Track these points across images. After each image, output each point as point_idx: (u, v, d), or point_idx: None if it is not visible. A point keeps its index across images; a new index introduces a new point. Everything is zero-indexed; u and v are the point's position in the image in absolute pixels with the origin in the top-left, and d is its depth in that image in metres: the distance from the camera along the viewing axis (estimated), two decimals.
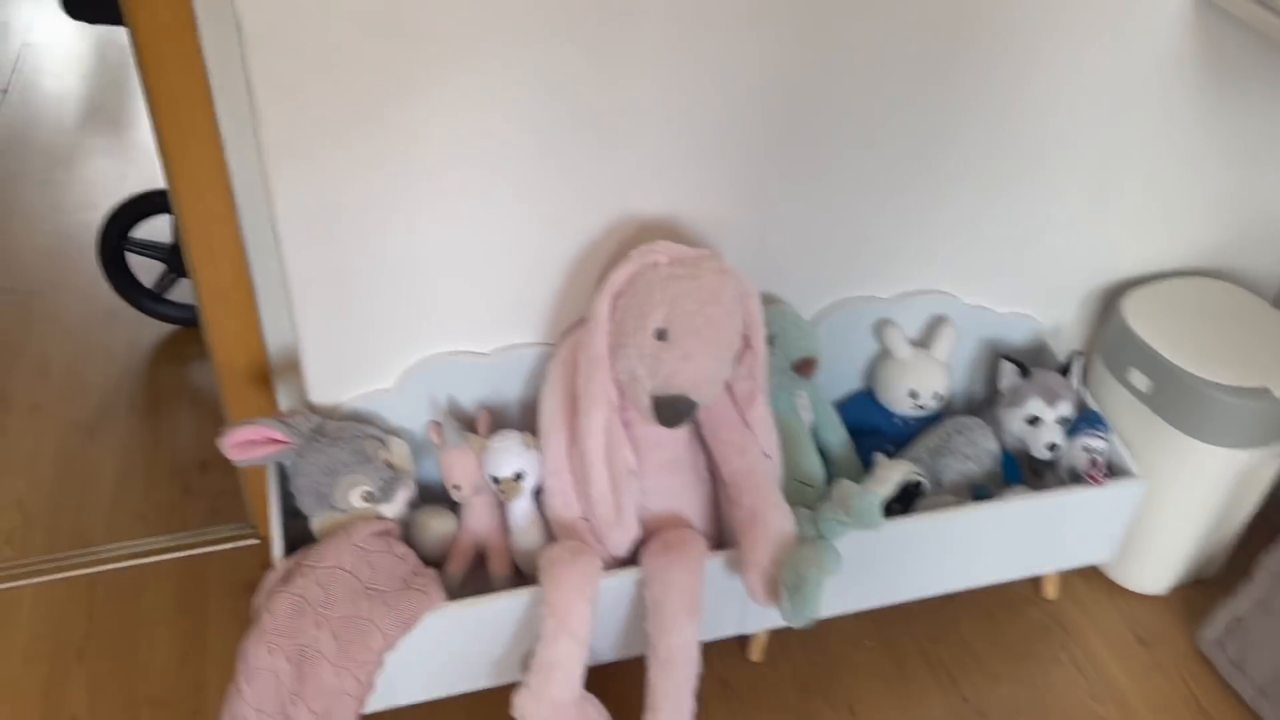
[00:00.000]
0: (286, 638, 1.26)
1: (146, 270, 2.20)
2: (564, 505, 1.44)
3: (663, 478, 1.43)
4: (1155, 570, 1.72)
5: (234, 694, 1.28)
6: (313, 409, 1.45)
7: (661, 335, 1.29)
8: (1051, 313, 1.73)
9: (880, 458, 1.56)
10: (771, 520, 1.37)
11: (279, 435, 1.36)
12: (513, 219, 1.36)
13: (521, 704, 1.33)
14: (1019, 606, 1.73)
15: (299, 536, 1.39)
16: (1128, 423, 1.62)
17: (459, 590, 1.49)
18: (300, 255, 1.30)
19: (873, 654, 1.66)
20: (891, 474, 1.50)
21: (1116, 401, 1.63)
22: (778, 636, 1.65)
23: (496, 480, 1.41)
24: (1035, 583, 1.75)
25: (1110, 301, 1.74)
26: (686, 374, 1.29)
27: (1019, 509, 1.50)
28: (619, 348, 1.32)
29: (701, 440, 1.47)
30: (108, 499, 1.84)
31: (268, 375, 1.57)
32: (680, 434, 1.43)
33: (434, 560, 1.50)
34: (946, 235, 1.58)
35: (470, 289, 1.41)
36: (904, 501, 1.52)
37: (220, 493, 1.85)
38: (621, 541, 1.39)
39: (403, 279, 1.37)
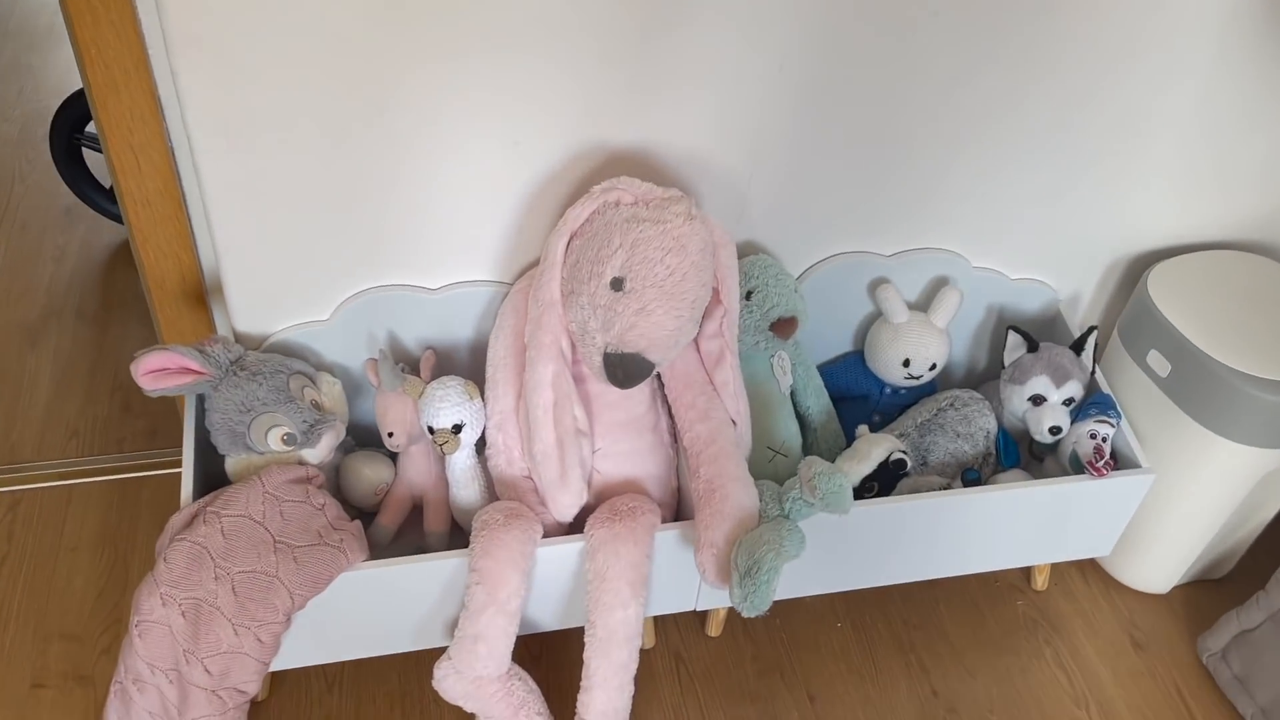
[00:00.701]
0: (182, 589, 1.14)
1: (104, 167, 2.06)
2: (507, 462, 1.30)
3: (618, 439, 1.30)
4: (1158, 568, 1.58)
5: (127, 645, 1.17)
6: (239, 338, 1.32)
7: (618, 285, 1.14)
8: (1069, 282, 1.56)
9: (862, 430, 1.41)
10: (731, 494, 1.24)
11: (194, 365, 1.23)
12: (463, 141, 1.20)
13: (442, 676, 1.21)
14: (1004, 596, 1.60)
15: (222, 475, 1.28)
16: (1142, 409, 1.47)
17: (390, 544, 1.38)
18: (218, 164, 1.16)
19: (841, 636, 1.54)
20: (872, 450, 1.36)
21: (1132, 385, 1.48)
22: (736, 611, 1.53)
23: (432, 431, 1.27)
24: (1025, 570, 1.62)
25: (1136, 274, 1.57)
26: (643, 330, 1.15)
27: (1010, 498, 1.36)
28: (571, 295, 1.18)
29: (665, 401, 1.33)
30: (41, 411, 1.73)
31: (202, 295, 1.43)
32: (639, 393, 1.29)
33: (368, 510, 1.38)
34: (957, 189, 1.41)
35: (415, 218, 1.26)
36: (884, 480, 1.38)
37: (162, 413, 1.73)
38: (567, 506, 1.25)
39: (338, 202, 1.22)
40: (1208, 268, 1.49)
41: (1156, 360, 1.43)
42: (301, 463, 1.26)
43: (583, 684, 1.26)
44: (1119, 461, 1.44)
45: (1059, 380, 1.44)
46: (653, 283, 1.13)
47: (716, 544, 1.22)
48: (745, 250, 1.39)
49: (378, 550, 1.34)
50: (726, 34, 1.18)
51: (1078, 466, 1.42)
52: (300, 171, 1.18)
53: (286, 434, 1.24)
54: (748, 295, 1.34)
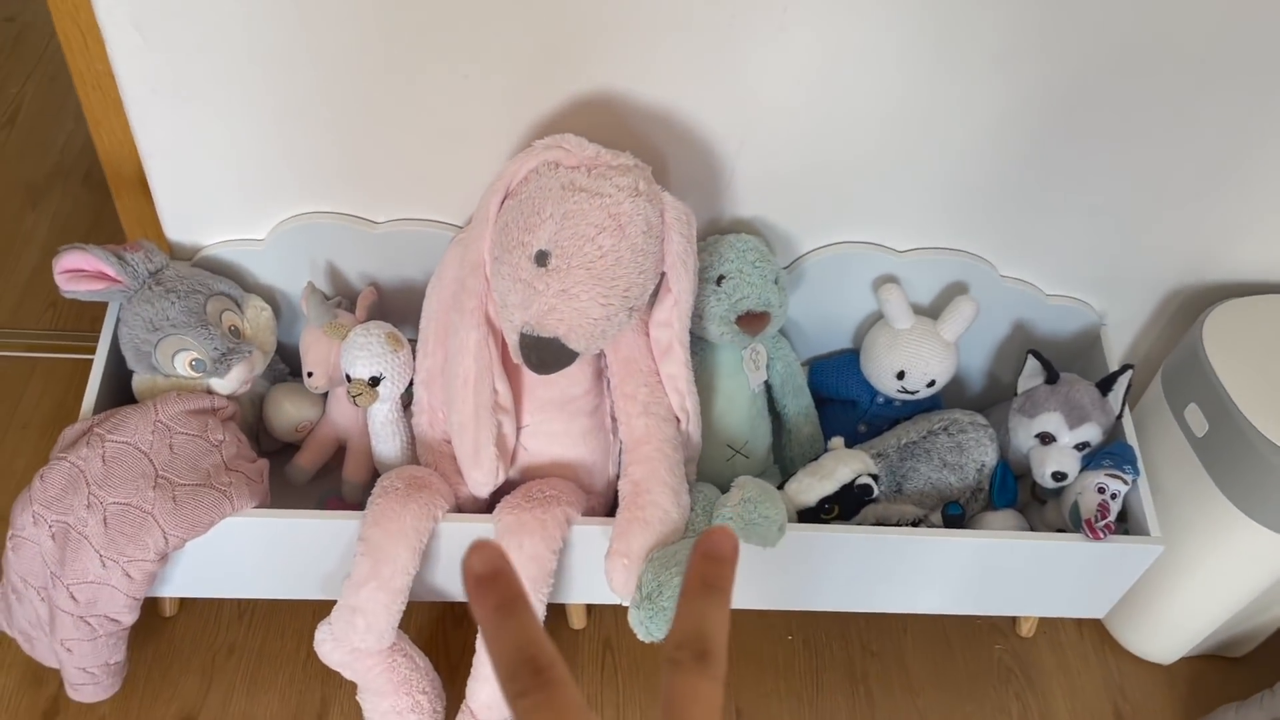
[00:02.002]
0: (53, 511, 1.08)
1: None
2: (430, 424, 1.20)
3: (548, 418, 1.17)
4: (1164, 639, 1.40)
5: (5, 557, 1.12)
6: (171, 248, 1.23)
7: (542, 260, 1.00)
8: (1118, 307, 1.36)
9: (835, 443, 1.26)
10: (657, 501, 1.11)
11: (110, 271, 1.15)
12: (408, 63, 1.06)
13: (320, 641, 1.14)
14: (981, 635, 1.45)
15: None
16: (1170, 470, 1.27)
17: (310, 484, 1.30)
18: (133, 61, 1.06)
19: (789, 650, 1.41)
20: (837, 468, 1.21)
21: (1165, 440, 1.28)
22: None
23: (349, 379, 1.17)
24: None
25: (1201, 309, 1.35)
26: (564, 315, 1.01)
27: (980, 548, 1.20)
28: (496, 262, 1.05)
29: (610, 387, 1.20)
30: (25, 276, 1.69)
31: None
32: (577, 372, 1.16)
33: (292, 446, 1.30)
34: (990, 184, 1.21)
35: (356, 140, 1.14)
36: (847, 504, 1.23)
37: None
38: (479, 483, 1.15)
39: (270, 113, 1.11)
40: None
41: (1194, 416, 1.23)
42: (209, 392, 1.18)
43: (472, 671, 1.17)
44: (1129, 524, 1.26)
45: (1074, 421, 1.25)
46: (581, 263, 0.99)
47: (628, 554, 1.10)
48: (728, 228, 1.23)
49: (290, 489, 1.27)
50: None
51: (1077, 521, 1.24)
52: (226, 76, 1.07)
53: (195, 359, 1.15)
54: (718, 280, 1.18)
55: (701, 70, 1.08)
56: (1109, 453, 1.26)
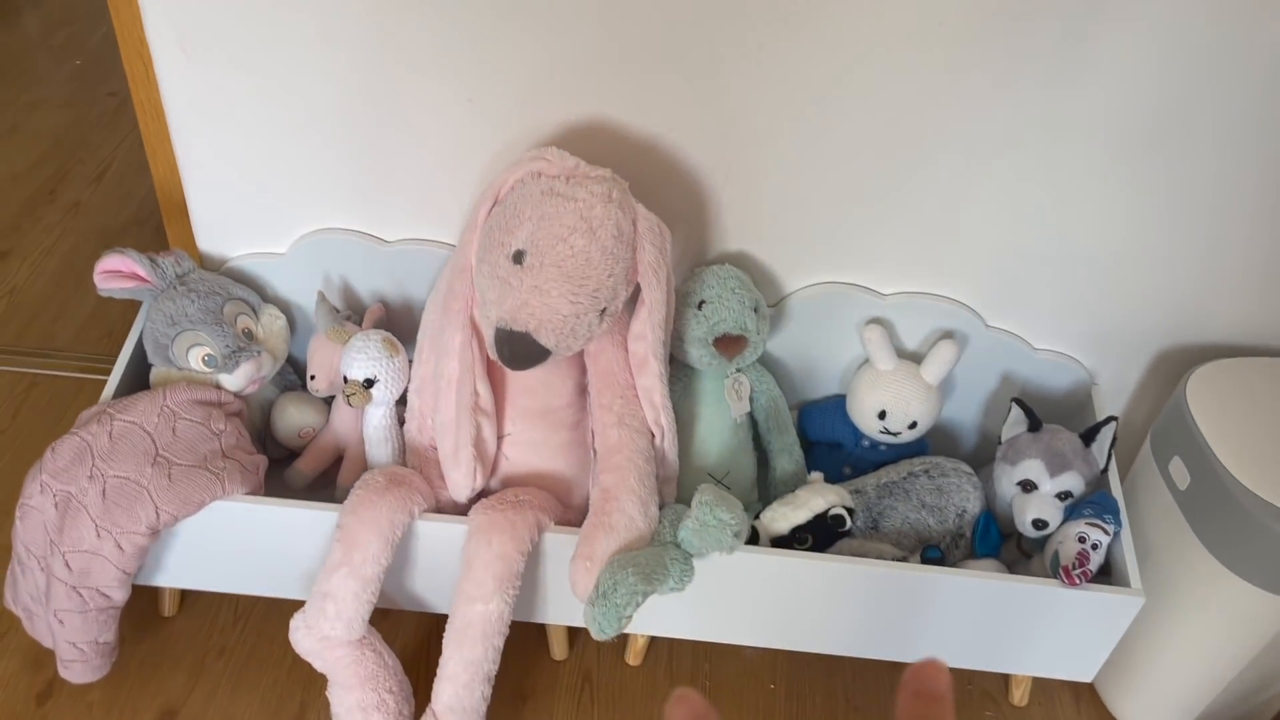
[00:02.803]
0: (59, 481, 1.16)
1: None
2: (419, 429, 1.26)
3: (529, 428, 1.22)
4: (1159, 712, 1.35)
5: (14, 528, 1.20)
6: (202, 260, 1.34)
7: (519, 258, 1.08)
8: (1110, 368, 1.36)
9: (814, 477, 1.28)
10: (624, 508, 1.15)
11: (141, 271, 1.25)
12: (415, 89, 1.17)
13: (294, 628, 1.18)
14: (972, 700, 1.41)
15: None
16: (1156, 525, 1.26)
17: (306, 491, 1.36)
18: (176, 76, 1.18)
19: (770, 698, 1.40)
20: (811, 499, 1.23)
21: (1152, 496, 1.27)
22: (667, 646, 1.42)
23: (346, 380, 1.25)
24: (1004, 679, 1.42)
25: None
26: (534, 310, 1.07)
27: (954, 586, 1.19)
28: (480, 263, 1.12)
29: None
30: (89, 308, 1.82)
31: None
32: (559, 384, 1.22)
33: (296, 453, 1.37)
34: (975, 231, 1.25)
35: (369, 162, 1.24)
36: (822, 535, 1.24)
37: None
38: (458, 484, 1.20)
39: (294, 132, 1.22)
40: (1277, 377, 1.26)
41: (1178, 470, 1.22)
42: (218, 387, 1.26)
43: (438, 671, 1.19)
44: (1113, 578, 1.24)
45: (1055, 469, 1.25)
46: (553, 261, 1.06)
47: (591, 557, 1.13)
48: (714, 261, 1.29)
49: (290, 494, 1.33)
50: (699, 6, 1.09)
51: (1056, 570, 1.23)
52: (256, 94, 1.18)
53: (207, 355, 1.24)
54: (699, 305, 1.24)
55: (687, 102, 1.16)
56: (1090, 502, 1.25)
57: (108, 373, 1.69)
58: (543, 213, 1.07)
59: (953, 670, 1.38)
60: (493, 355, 1.13)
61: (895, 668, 1.42)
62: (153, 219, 2.02)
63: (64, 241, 1.94)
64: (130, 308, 1.78)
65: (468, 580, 1.15)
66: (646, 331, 1.16)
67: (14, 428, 1.62)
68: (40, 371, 1.70)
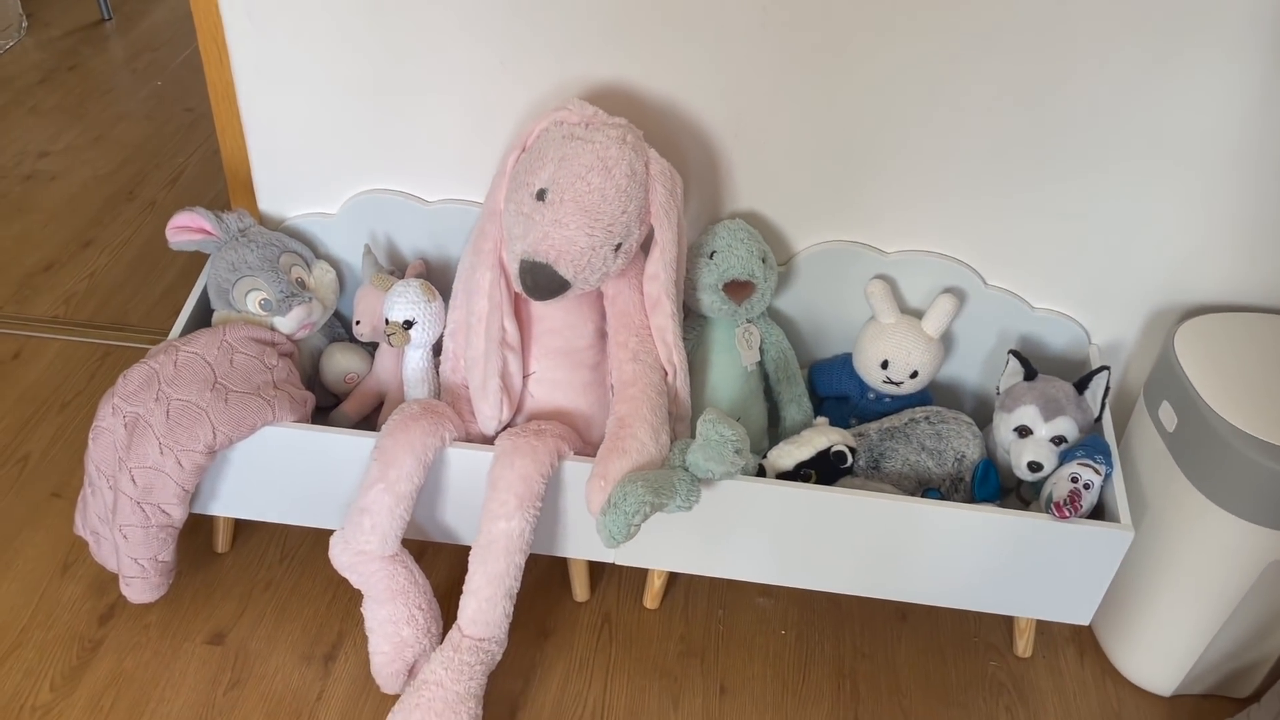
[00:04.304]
0: (129, 403, 1.29)
1: None
2: (452, 369, 1.37)
3: (553, 366, 1.33)
4: (1159, 660, 1.39)
5: (86, 451, 1.33)
6: (262, 219, 1.48)
7: (541, 196, 1.19)
8: (1106, 327, 1.43)
9: (819, 421, 1.36)
10: (637, 434, 1.24)
11: (207, 226, 1.39)
12: (453, 52, 1.30)
13: (333, 544, 1.28)
14: (977, 651, 1.46)
15: None
16: (1147, 468, 1.32)
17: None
18: (243, 44, 1.32)
19: (780, 642, 1.46)
20: (815, 437, 1.31)
21: (1143, 441, 1.33)
22: (683, 589, 1.50)
23: (387, 322, 1.36)
24: (1008, 630, 1.48)
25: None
26: (555, 241, 1.18)
27: (942, 518, 1.26)
28: (508, 203, 1.24)
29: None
30: (161, 290, 1.97)
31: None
32: (581, 325, 1.32)
33: (341, 397, 1.49)
34: (973, 190, 1.34)
35: (411, 125, 1.37)
36: (825, 472, 1.32)
37: None
38: (486, 417, 1.30)
39: (346, 98, 1.35)
40: (1259, 330, 1.32)
41: (1166, 413, 1.28)
42: (272, 329, 1.38)
43: (464, 586, 1.28)
44: (1105, 518, 1.30)
45: (1049, 414, 1.32)
46: (572, 197, 1.17)
47: (605, 476, 1.22)
48: (725, 216, 1.39)
49: None
50: None
51: (1049, 507, 1.29)
52: (313, 61, 1.32)
53: (263, 299, 1.37)
54: (711, 255, 1.34)
55: (701, 64, 1.27)
56: (1083, 445, 1.32)
57: None
58: (563, 154, 1.18)
59: (956, 617, 1.44)
60: (517, 287, 1.23)
61: (899, 621, 1.48)
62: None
63: (140, 235, 2.10)
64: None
65: (492, 500, 1.25)
66: (659, 271, 1.26)
67: (89, 390, 1.76)
68: (113, 343, 1.85)
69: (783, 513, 1.28)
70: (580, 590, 1.48)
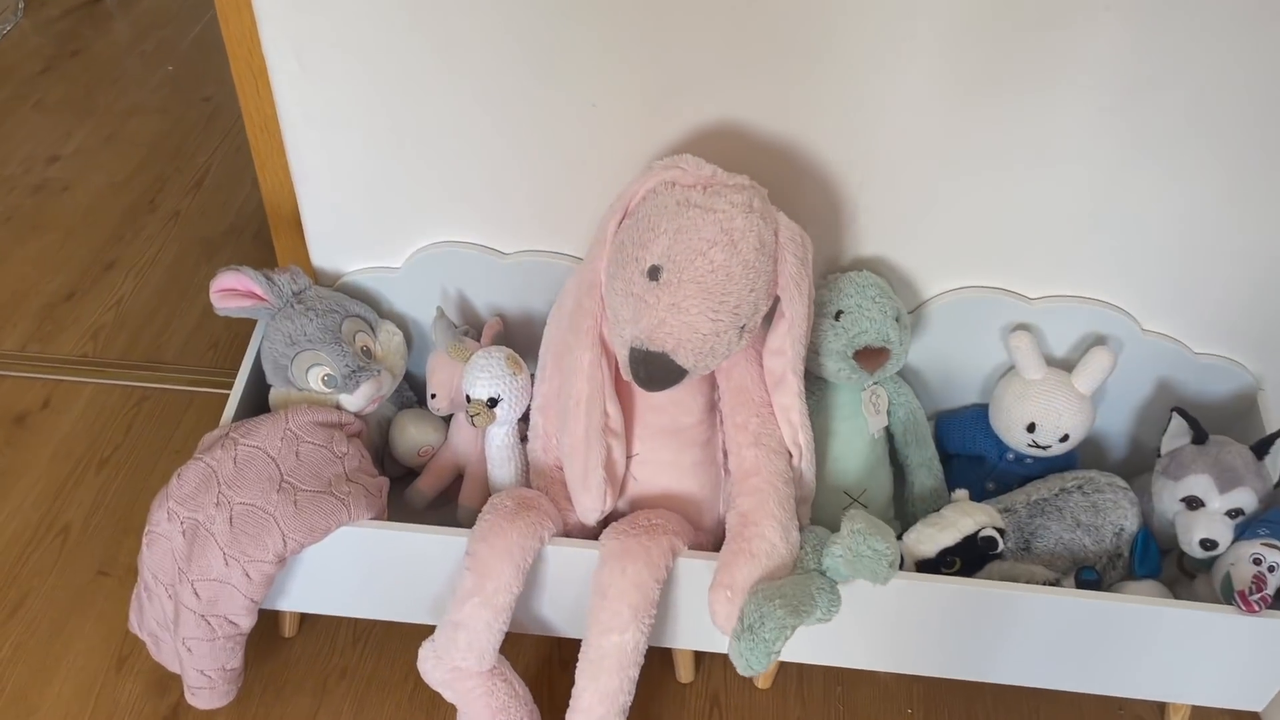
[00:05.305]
0: (186, 508, 1.14)
1: None
2: (544, 449, 1.22)
3: (659, 447, 1.17)
4: None
5: (140, 555, 1.18)
6: (316, 275, 1.31)
7: (654, 274, 1.02)
8: (1275, 370, 1.27)
9: (959, 495, 1.20)
10: (765, 534, 1.09)
11: (257, 290, 1.23)
12: (536, 95, 1.12)
13: (423, 658, 1.15)
14: None
15: None
16: None
17: (427, 511, 1.33)
18: (291, 87, 1.15)
19: None
20: (959, 519, 1.16)
21: None
22: (797, 668, 1.37)
23: (469, 400, 1.20)
24: (1162, 705, 1.34)
25: None
26: (673, 329, 1.01)
27: (1115, 614, 1.11)
28: (611, 279, 1.07)
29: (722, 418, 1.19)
30: (195, 320, 1.81)
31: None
32: (690, 401, 1.16)
33: (415, 471, 1.34)
34: (1133, 228, 1.16)
35: (488, 172, 1.19)
36: (970, 558, 1.17)
37: None
38: (588, 509, 1.15)
39: (411, 143, 1.18)
40: None
41: None
42: (338, 407, 1.22)
43: (570, 704, 1.15)
44: None
45: (1225, 485, 1.17)
46: (692, 277, 1.00)
47: (732, 586, 1.07)
48: (849, 268, 1.22)
49: (410, 513, 1.29)
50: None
51: (1229, 594, 1.14)
52: (372, 105, 1.14)
53: (327, 375, 1.21)
54: (837, 315, 1.17)
55: (823, 102, 1.09)
56: (1266, 520, 1.16)
57: (216, 385, 1.69)
58: (679, 225, 1.01)
59: (1102, 695, 1.31)
60: (626, 376, 1.07)
61: (1033, 693, 1.35)
62: (251, 226, 2.00)
63: (166, 252, 1.93)
64: (236, 320, 1.78)
65: (602, 610, 1.10)
66: (786, 347, 1.09)
67: (128, 443, 1.61)
68: (150, 385, 1.69)
69: (926, 606, 1.14)
70: (684, 671, 1.35)
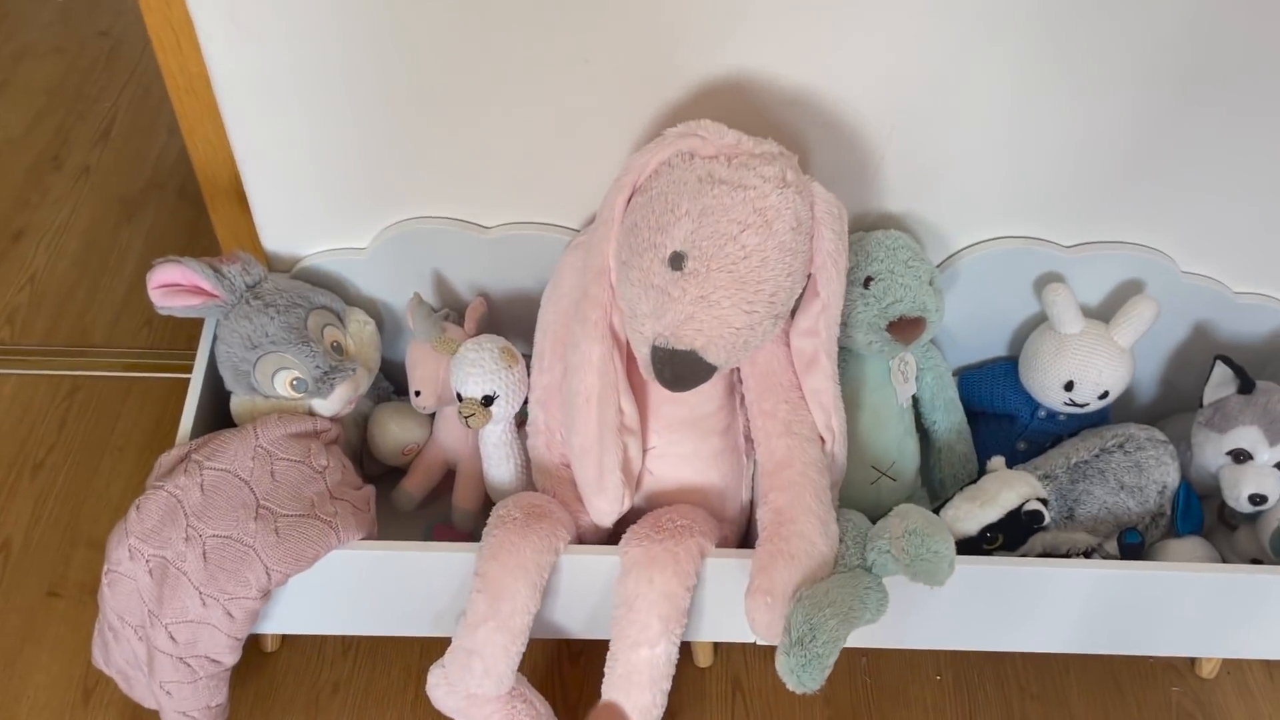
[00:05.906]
0: (150, 545, 1.00)
1: None
2: (547, 445, 1.10)
3: (677, 439, 1.06)
4: None
5: (101, 593, 1.05)
6: (269, 260, 1.15)
7: (678, 263, 0.89)
8: None
9: (995, 463, 1.12)
10: (803, 532, 0.99)
11: (206, 285, 1.07)
12: (522, 49, 0.96)
13: (434, 685, 1.05)
14: (1155, 677, 1.29)
15: None
16: None
17: (419, 510, 1.21)
18: (226, 52, 0.98)
19: (938, 691, 1.27)
20: (1001, 492, 1.08)
21: None
22: None
23: (460, 398, 1.07)
24: None
25: None
26: (702, 324, 0.90)
27: (1172, 582, 1.05)
28: (624, 266, 0.94)
29: (744, 403, 1.08)
30: (121, 294, 1.63)
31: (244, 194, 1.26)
32: (709, 388, 1.05)
33: (399, 469, 1.21)
34: (1169, 166, 1.07)
35: (465, 139, 1.04)
36: (1013, 532, 1.09)
37: None
38: (603, 512, 1.04)
39: (370, 110, 1.02)
40: None
41: None
42: (311, 413, 1.09)
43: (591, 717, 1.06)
44: None
45: (1275, 436, 1.10)
46: (722, 265, 0.88)
47: (772, 591, 0.98)
48: (875, 224, 1.10)
49: (397, 516, 1.18)
50: None
51: (1278, 550, 1.09)
52: (322, 67, 0.98)
53: (296, 379, 1.07)
54: (866, 282, 1.06)
55: (847, 45, 0.96)
56: None
57: (156, 370, 1.53)
58: (704, 206, 0.88)
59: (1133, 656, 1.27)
60: (647, 376, 0.95)
61: (1072, 653, 1.30)
62: (174, 180, 1.81)
63: (80, 216, 1.74)
64: None
65: (629, 623, 1.01)
66: (820, 328, 0.98)
67: (63, 442, 1.45)
68: (80, 373, 1.52)
69: (968, 586, 1.06)
70: (702, 656, 1.27)
